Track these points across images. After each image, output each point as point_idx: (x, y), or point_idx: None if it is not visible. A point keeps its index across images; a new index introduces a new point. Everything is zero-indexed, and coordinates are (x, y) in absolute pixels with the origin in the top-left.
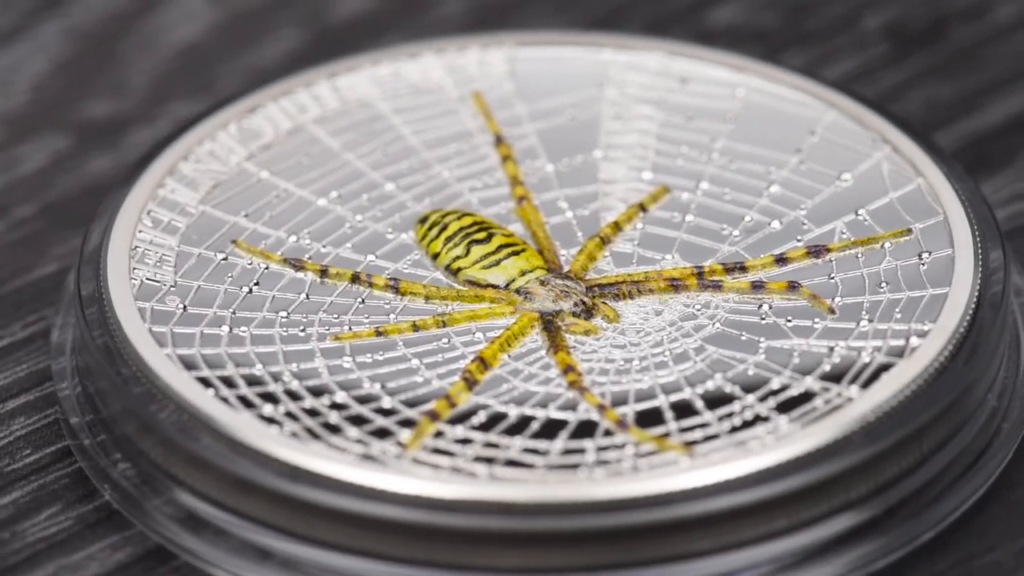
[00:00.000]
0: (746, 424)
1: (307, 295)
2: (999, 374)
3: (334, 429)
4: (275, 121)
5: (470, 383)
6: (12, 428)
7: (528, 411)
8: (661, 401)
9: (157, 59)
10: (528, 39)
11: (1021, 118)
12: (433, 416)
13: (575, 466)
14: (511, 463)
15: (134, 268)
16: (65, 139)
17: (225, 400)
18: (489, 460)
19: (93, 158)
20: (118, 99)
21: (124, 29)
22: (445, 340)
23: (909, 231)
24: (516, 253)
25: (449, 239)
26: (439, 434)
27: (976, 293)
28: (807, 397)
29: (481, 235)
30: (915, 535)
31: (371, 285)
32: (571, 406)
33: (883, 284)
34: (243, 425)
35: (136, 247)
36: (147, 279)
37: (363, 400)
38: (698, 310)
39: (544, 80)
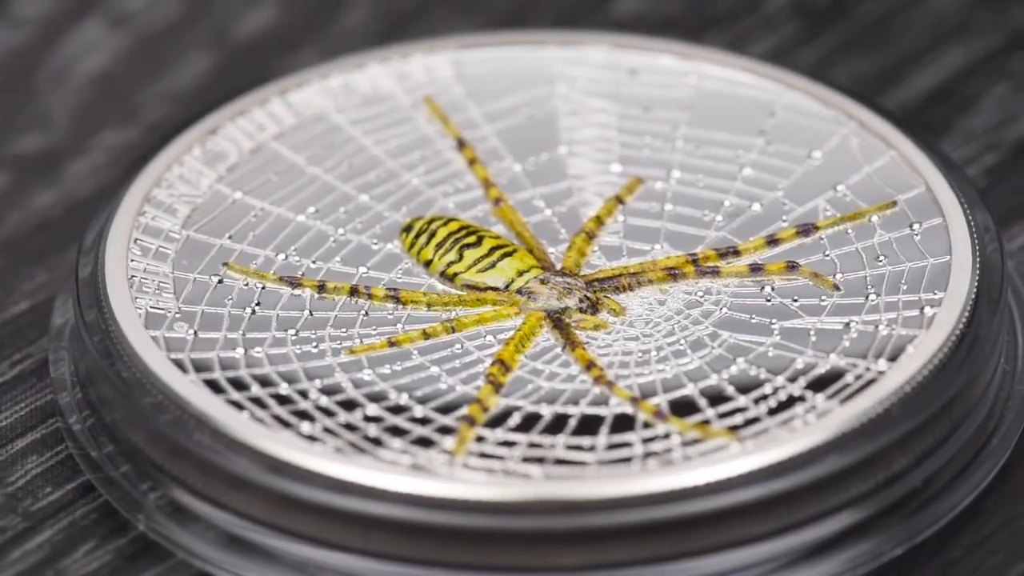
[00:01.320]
0: (783, 405)
1: (310, 312)
2: (1005, 338)
3: (376, 442)
4: (236, 141)
5: (496, 386)
6: (26, 467)
7: (561, 409)
8: (690, 389)
9: (73, 90)
10: (470, 41)
11: (945, 86)
12: (470, 421)
13: (627, 460)
14: (561, 462)
15: (136, 298)
16: (2, 176)
17: (261, 421)
18: (539, 460)
19: (36, 193)
20: (45, 133)
21: (33, 63)
22: (458, 346)
23: (894, 203)
24: (509, 254)
25: (440, 245)
26: (480, 439)
27: (977, 257)
28: (837, 374)
29: (471, 239)
30: (960, 499)
31: (371, 297)
32: (602, 401)
33: (881, 257)
34: (285, 444)
35: (132, 276)
36: (151, 308)
37: (395, 411)
38: (701, 297)
39: (493, 81)
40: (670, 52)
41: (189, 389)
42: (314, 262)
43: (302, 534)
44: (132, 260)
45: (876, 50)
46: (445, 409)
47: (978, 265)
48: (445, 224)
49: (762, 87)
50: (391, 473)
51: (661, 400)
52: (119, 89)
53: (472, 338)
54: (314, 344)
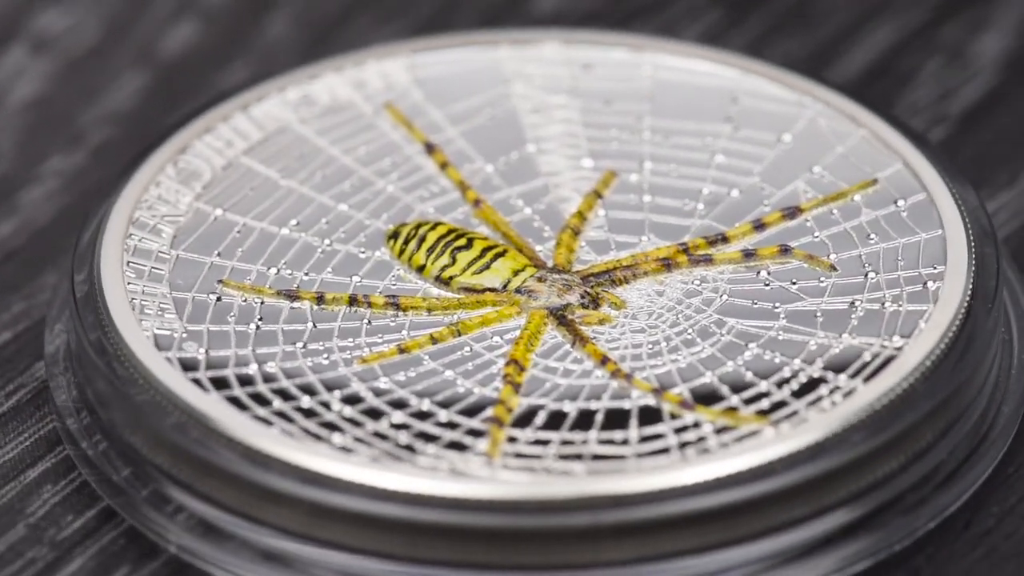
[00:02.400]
0: (806, 387)
1: (314, 324)
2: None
3: (409, 449)
4: (207, 159)
5: (515, 386)
6: (43, 497)
7: (584, 405)
8: (709, 377)
9: (9, 117)
10: (422, 45)
11: (879, 63)
12: (498, 423)
13: (664, 451)
14: (599, 457)
15: (141, 321)
16: None
17: (291, 435)
18: (577, 457)
19: None
20: None
21: None
22: (467, 348)
23: (875, 181)
24: (501, 255)
25: (431, 250)
26: (512, 439)
27: (969, 228)
28: (854, 353)
29: (461, 242)
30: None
31: (370, 305)
32: (623, 395)
33: (871, 236)
34: (321, 456)
35: (132, 299)
36: (158, 330)
37: (420, 417)
38: (698, 285)
39: (449, 83)
40: (623, 45)
41: (214, 408)
42: (307, 274)
43: (341, 545)
44: (129, 283)
45: (804, 31)
46: (469, 412)
47: (972, 236)
48: (433, 228)
49: (720, 74)
50: (433, 479)
51: (682, 390)
52: (57, 114)
53: (478, 340)
54: (324, 356)
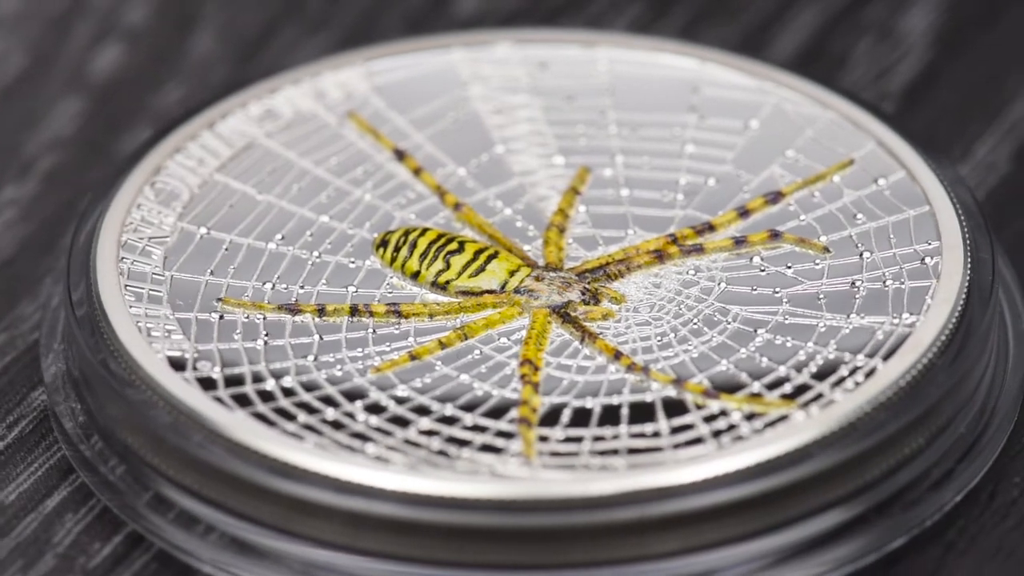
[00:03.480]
0: (826, 369)
1: (320, 336)
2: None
3: (444, 454)
4: (182, 178)
5: (534, 385)
6: (67, 526)
7: (606, 400)
8: (725, 365)
9: None
10: (375, 53)
11: (810, 46)
12: (527, 423)
13: (698, 441)
14: (634, 451)
15: (152, 343)
16: None
17: (324, 448)
18: (613, 452)
19: None
20: None
21: None
22: (477, 351)
23: (851, 161)
24: (494, 256)
25: (424, 256)
26: (543, 438)
27: (956, 202)
28: (866, 333)
29: (453, 246)
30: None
31: (372, 314)
32: (643, 388)
33: (858, 216)
34: (359, 467)
35: (138, 323)
36: (169, 352)
37: (446, 422)
38: (694, 275)
39: (408, 89)
40: (575, 42)
41: (242, 425)
42: (302, 287)
43: (382, 553)
44: (131, 307)
45: (729, 19)
46: (493, 414)
47: (960, 209)
48: (422, 234)
49: (677, 65)
50: (475, 483)
51: (701, 379)
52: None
53: (485, 342)
54: (337, 367)
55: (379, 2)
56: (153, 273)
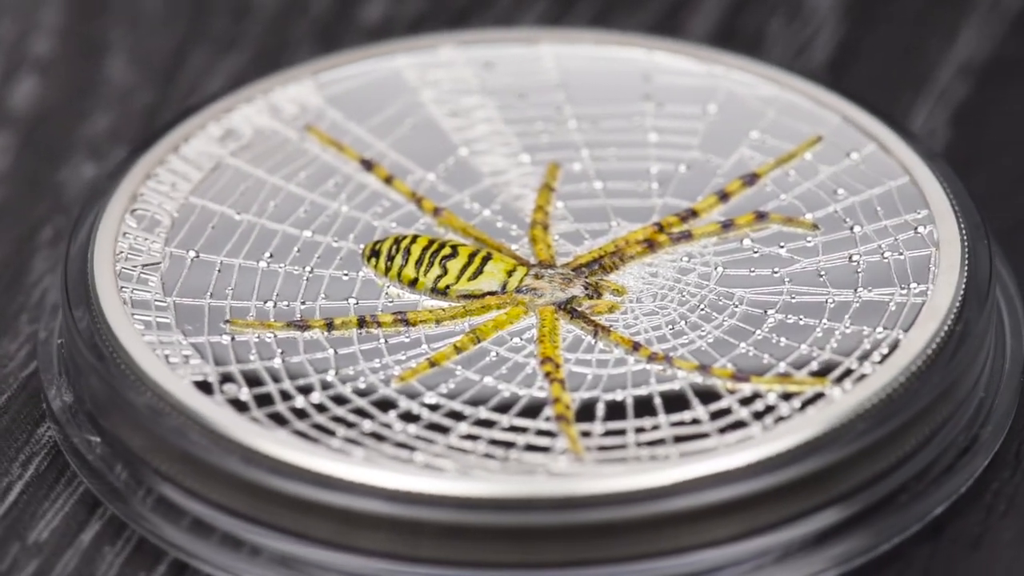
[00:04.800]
0: (848, 344)
1: (334, 350)
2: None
3: (490, 457)
4: (159, 204)
5: (561, 382)
6: (107, 559)
7: (635, 392)
8: (744, 348)
9: None
10: (324, 65)
11: (723, 27)
12: (565, 420)
13: (742, 424)
14: (681, 439)
15: (175, 370)
16: None
17: (374, 461)
18: (659, 442)
19: None
20: None
21: None
22: (493, 354)
23: (820, 138)
24: (488, 258)
25: (419, 263)
26: (586, 434)
27: (935, 169)
28: (879, 305)
29: (446, 251)
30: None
31: (380, 324)
32: (669, 377)
33: (838, 191)
34: (409, 476)
35: (155, 352)
36: (193, 378)
37: (484, 425)
38: (688, 262)
39: (360, 99)
40: (516, 40)
41: (286, 443)
42: (303, 303)
43: (441, 560)
44: (144, 336)
45: (637, 6)
46: (527, 414)
47: (940, 176)
48: (413, 241)
49: (625, 56)
50: (535, 483)
51: (725, 363)
52: None
53: (498, 343)
54: (360, 380)
55: (283, 17)
56: (155, 300)
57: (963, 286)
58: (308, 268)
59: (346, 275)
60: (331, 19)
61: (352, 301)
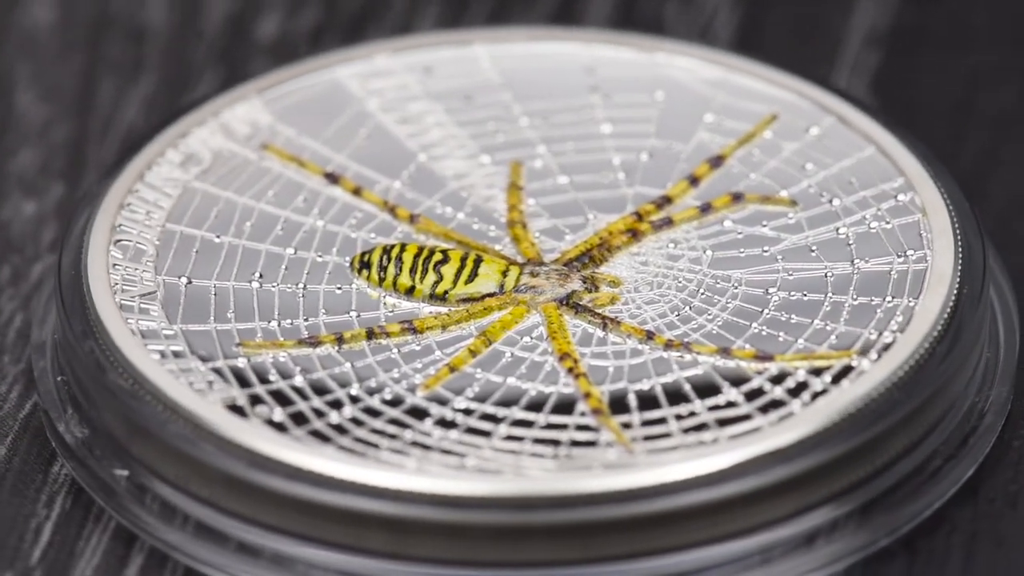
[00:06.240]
0: (859, 316)
1: (351, 364)
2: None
3: (539, 456)
4: (138, 233)
5: (586, 376)
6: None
7: (662, 380)
8: (756, 328)
9: None
10: (268, 82)
11: (620, 16)
12: (603, 413)
13: (781, 403)
14: (724, 422)
15: (201, 395)
16: None
17: (426, 471)
18: (702, 427)
19: None
20: None
21: None
22: (508, 354)
23: (775, 116)
24: (480, 260)
25: (413, 271)
26: (626, 425)
27: (896, 135)
28: (882, 275)
29: (438, 256)
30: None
31: (388, 335)
32: (690, 363)
33: (806, 165)
34: (469, 483)
35: (178, 380)
36: (225, 401)
37: (522, 425)
38: (674, 248)
39: (308, 113)
40: (449, 43)
41: (337, 461)
42: (307, 320)
43: (519, 562)
44: (166, 367)
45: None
46: (560, 411)
47: (904, 141)
48: (403, 250)
49: (562, 51)
50: (592, 478)
51: (743, 344)
52: None
53: (510, 344)
54: (385, 392)
55: (178, 39)
56: (163, 330)
57: (960, 248)
58: (300, 285)
59: (339, 289)
60: (228, 39)
61: (353, 314)
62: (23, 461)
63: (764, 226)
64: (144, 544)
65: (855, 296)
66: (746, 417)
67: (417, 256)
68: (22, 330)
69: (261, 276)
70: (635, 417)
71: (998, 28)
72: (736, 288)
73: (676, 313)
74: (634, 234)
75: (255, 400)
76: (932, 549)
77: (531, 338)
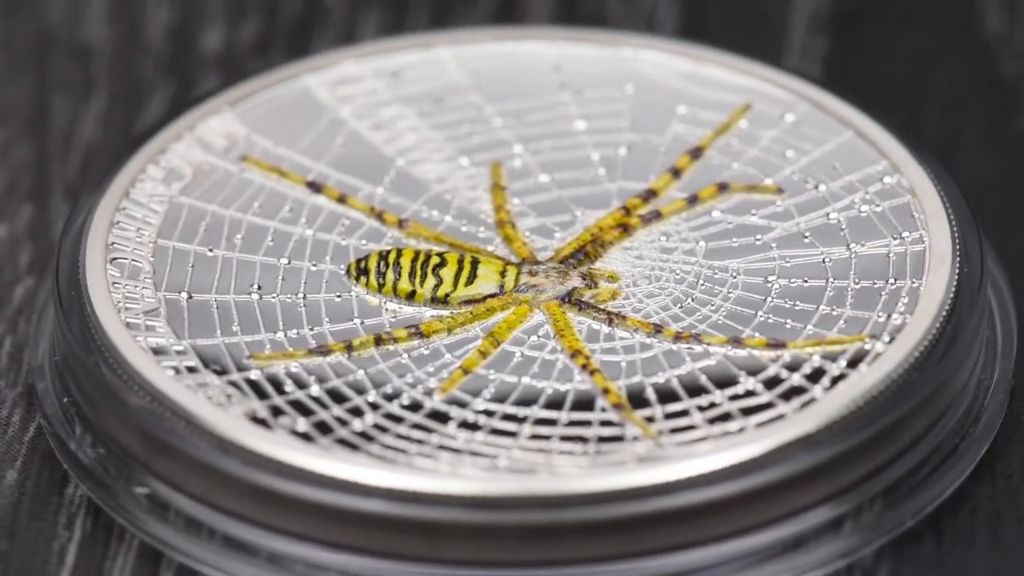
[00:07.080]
0: (865, 299)
1: (364, 371)
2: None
3: (569, 454)
4: (131, 250)
5: (600, 372)
6: None
7: (677, 372)
8: (762, 316)
9: None
10: (235, 95)
11: (562, 10)
12: (624, 407)
13: (803, 390)
14: (748, 411)
15: (223, 409)
16: None
17: (457, 473)
18: (726, 416)
19: None
20: None
21: None
22: (518, 354)
23: (749, 106)
24: (476, 261)
25: (413, 275)
26: (650, 419)
27: (874, 119)
28: (880, 258)
29: (435, 259)
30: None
31: (396, 340)
32: (701, 354)
33: (787, 152)
34: (501, 483)
35: (196, 395)
36: (247, 415)
37: (545, 424)
38: (666, 240)
39: (281, 123)
40: (412, 47)
41: (368, 465)
42: (312, 329)
43: (557, 560)
44: (183, 383)
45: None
46: (579, 408)
47: (883, 123)
48: (400, 255)
49: (527, 50)
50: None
51: (752, 333)
52: None
53: (518, 344)
54: (403, 398)
55: (123, 54)
56: (173, 346)
57: (955, 226)
58: (300, 295)
59: (339, 297)
60: (173, 52)
61: (357, 321)
62: (36, 484)
63: (753, 215)
64: (171, 562)
65: (856, 280)
66: (769, 405)
67: (415, 260)
68: (14, 353)
69: (260, 287)
70: (657, 410)
71: (935, 6)
72: (735, 278)
73: (679, 305)
74: (625, 228)
75: (276, 411)
76: (957, 528)
77: (538, 337)
